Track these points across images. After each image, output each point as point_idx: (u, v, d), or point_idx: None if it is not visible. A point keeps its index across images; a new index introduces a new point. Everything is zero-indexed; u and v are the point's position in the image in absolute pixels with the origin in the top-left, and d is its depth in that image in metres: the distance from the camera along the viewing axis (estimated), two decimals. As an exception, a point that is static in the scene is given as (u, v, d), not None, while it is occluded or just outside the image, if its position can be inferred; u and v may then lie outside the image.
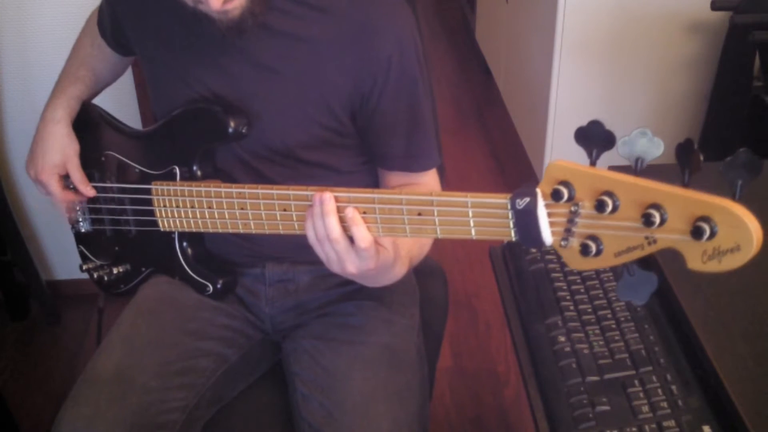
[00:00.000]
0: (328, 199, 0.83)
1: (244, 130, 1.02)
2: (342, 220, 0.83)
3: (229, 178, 1.09)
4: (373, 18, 1.01)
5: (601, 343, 0.90)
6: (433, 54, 3.72)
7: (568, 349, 0.89)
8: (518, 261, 1.06)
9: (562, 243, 0.69)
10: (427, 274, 1.31)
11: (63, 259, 2.18)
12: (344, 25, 1.00)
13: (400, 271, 0.95)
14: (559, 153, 2.39)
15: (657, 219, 0.61)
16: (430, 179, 1.11)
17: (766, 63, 1.97)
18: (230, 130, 1.02)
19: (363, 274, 0.88)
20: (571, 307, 0.95)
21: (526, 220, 0.71)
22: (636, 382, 0.84)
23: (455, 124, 3.23)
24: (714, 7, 1.97)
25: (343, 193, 0.84)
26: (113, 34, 1.21)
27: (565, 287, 0.98)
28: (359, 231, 0.83)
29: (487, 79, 3.42)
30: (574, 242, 0.68)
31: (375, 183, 1.14)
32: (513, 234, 0.73)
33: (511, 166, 2.89)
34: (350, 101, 1.03)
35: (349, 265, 0.86)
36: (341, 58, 1.00)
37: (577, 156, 0.70)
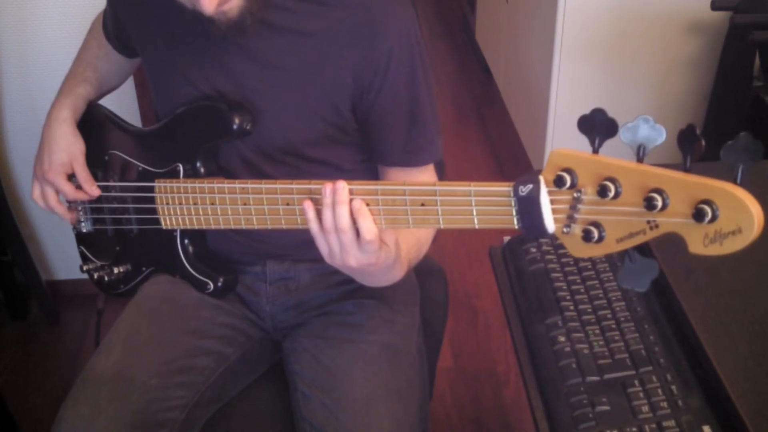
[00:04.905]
0: (341, 188, 0.82)
1: (248, 127, 1.03)
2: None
3: (231, 177, 1.09)
4: (375, 12, 1.01)
5: (601, 343, 0.90)
6: (433, 54, 3.72)
7: (568, 349, 0.89)
8: (518, 261, 1.06)
9: (565, 230, 0.69)
10: (427, 274, 1.31)
11: (63, 259, 2.18)
12: (346, 20, 1.00)
13: (398, 273, 0.95)
14: (559, 153, 2.39)
15: (659, 203, 0.61)
16: (427, 176, 1.11)
17: (766, 63, 1.97)
18: (235, 126, 1.02)
19: (362, 270, 0.88)
20: (571, 307, 0.95)
21: (529, 208, 0.71)
22: (636, 382, 0.84)
23: (455, 123, 3.22)
24: (714, 7, 1.97)
25: (347, 185, 0.83)
26: (117, 36, 1.21)
27: (565, 287, 0.98)
28: (366, 223, 0.82)
29: (487, 78, 3.42)
30: (577, 229, 0.68)
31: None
32: (516, 222, 0.73)
33: (510, 166, 2.89)
34: (351, 95, 1.03)
35: (351, 258, 0.85)
36: (343, 53, 1.00)
37: (577, 153, 0.70)
